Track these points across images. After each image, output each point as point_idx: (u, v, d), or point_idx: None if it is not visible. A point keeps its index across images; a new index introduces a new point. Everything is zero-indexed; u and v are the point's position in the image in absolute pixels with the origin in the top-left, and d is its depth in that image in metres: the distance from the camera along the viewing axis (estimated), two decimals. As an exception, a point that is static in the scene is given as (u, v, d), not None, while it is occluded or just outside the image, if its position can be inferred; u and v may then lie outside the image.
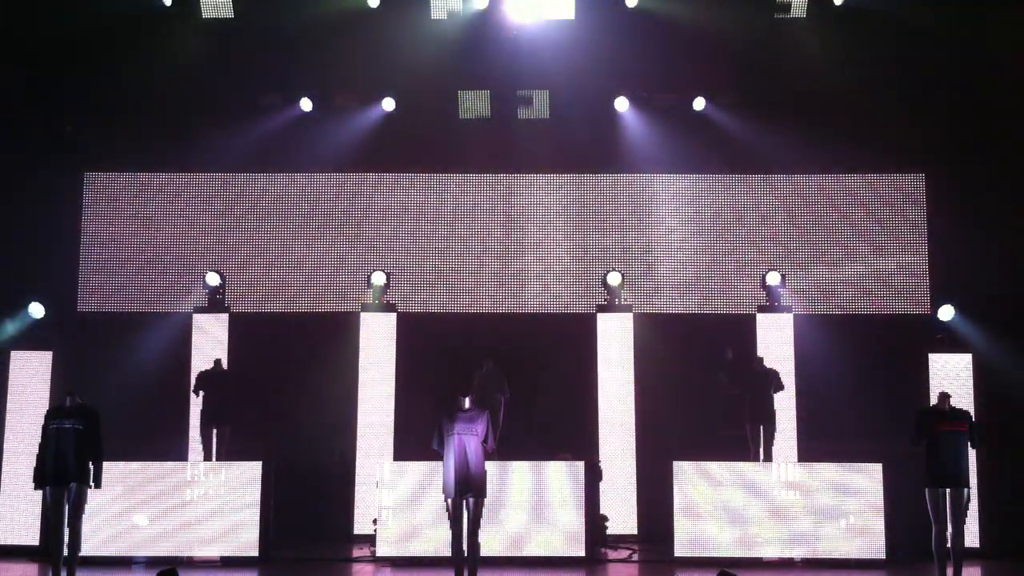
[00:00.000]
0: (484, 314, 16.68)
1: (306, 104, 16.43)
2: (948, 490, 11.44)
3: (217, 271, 15.89)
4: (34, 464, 11.37)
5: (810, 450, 14.98)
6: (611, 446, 15.22)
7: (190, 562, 13.35)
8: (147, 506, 13.37)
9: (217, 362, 14.88)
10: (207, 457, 14.43)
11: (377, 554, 13.42)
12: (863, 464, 13.41)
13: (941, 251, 16.43)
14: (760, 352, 15.20)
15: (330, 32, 15.82)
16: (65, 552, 11.20)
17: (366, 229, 16.83)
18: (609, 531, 14.53)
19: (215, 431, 14.57)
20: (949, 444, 11.46)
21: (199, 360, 15.22)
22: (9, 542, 14.10)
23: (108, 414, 11.84)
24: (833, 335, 15.99)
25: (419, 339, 15.97)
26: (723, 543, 13.30)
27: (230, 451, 14.55)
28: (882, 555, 13.16)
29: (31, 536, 14.09)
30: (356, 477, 15.07)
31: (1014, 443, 15.08)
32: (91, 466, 11.29)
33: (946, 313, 15.34)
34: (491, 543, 12.82)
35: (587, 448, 14.90)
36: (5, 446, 14.45)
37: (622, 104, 16.47)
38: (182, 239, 16.72)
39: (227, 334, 15.53)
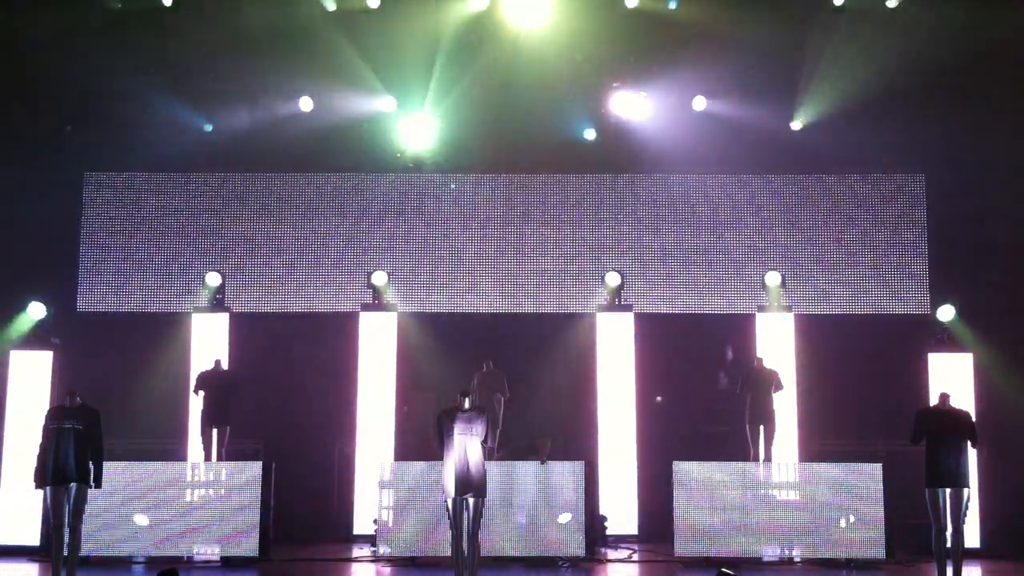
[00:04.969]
0: (484, 314, 16.70)
1: (306, 104, 16.45)
2: (948, 490, 11.42)
3: (217, 271, 15.95)
4: (35, 464, 11.35)
5: (810, 450, 15.00)
6: (611, 446, 15.23)
7: (190, 562, 13.37)
8: (147, 506, 13.37)
9: (217, 362, 14.86)
10: (207, 457, 14.40)
11: (377, 554, 13.44)
12: (863, 464, 13.39)
13: (941, 251, 16.44)
14: (760, 352, 15.21)
15: (330, 32, 15.83)
16: (65, 552, 11.18)
17: (366, 229, 16.84)
18: (609, 531, 14.54)
19: (215, 431, 14.54)
20: (949, 444, 11.42)
21: (199, 360, 15.24)
22: (9, 542, 14.11)
23: (108, 414, 11.82)
24: (833, 335, 16.00)
25: (419, 339, 15.99)
26: (723, 543, 13.28)
27: (230, 451, 14.56)
28: (882, 555, 13.15)
29: (31, 536, 14.10)
30: (356, 477, 15.10)
31: (1014, 443, 15.09)
32: (91, 466, 11.26)
33: (946, 313, 15.36)
34: (491, 543, 12.84)
35: (587, 448, 14.92)
36: (5, 446, 14.47)
37: (623, 104, 16.51)
38: (182, 239, 16.74)
39: (227, 334, 15.57)
